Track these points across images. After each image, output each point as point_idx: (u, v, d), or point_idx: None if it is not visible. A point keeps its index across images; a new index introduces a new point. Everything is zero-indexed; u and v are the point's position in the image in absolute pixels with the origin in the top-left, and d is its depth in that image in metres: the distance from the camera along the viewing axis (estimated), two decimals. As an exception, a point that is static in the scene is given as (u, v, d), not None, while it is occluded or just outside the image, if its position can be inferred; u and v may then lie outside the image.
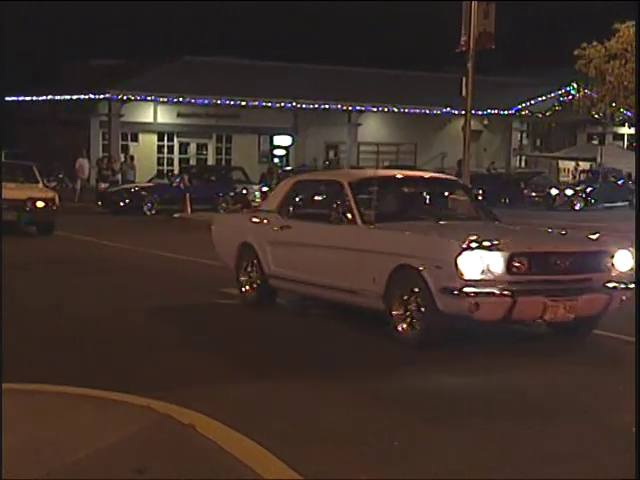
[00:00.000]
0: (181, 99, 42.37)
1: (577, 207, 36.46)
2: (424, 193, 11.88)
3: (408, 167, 45.50)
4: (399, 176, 12.41)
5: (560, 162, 46.43)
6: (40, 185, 22.77)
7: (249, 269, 11.84)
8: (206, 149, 46.09)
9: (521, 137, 53.95)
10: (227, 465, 5.53)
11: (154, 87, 41.63)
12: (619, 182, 38.97)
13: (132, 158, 39.62)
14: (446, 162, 46.33)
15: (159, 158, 44.64)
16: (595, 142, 51.64)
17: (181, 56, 45.58)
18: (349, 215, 10.35)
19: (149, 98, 42.23)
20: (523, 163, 52.71)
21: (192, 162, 44.61)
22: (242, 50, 50.12)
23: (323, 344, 9.74)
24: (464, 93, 20.73)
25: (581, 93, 40.84)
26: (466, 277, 8.80)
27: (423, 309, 9.15)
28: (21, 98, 45.21)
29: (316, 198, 12.70)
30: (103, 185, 35.08)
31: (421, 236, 9.77)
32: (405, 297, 9.34)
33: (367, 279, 9.78)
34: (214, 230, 13.32)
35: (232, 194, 31.38)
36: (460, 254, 8.81)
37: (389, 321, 9.46)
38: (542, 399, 7.62)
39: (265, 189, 30.19)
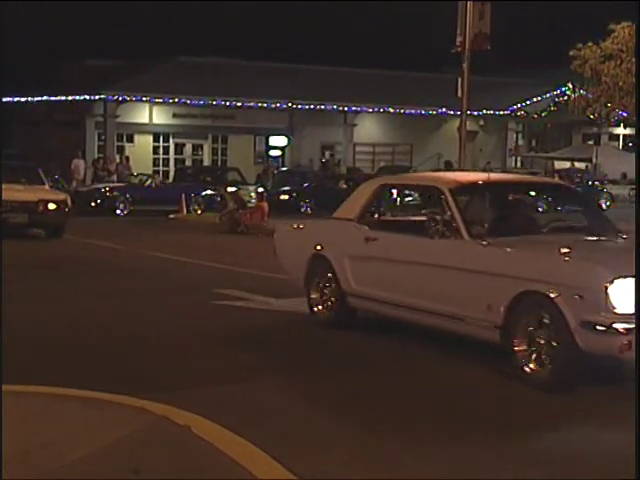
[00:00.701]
0: (176, 100, 42.30)
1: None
2: (535, 201, 10.59)
3: (404, 168, 45.61)
4: (507, 180, 10.92)
5: (556, 163, 46.46)
6: (46, 187, 22.44)
7: (322, 285, 10.50)
8: (202, 150, 46.03)
9: (516, 138, 53.96)
10: (223, 466, 5.54)
11: (150, 88, 41.55)
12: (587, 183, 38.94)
13: (127, 159, 39.57)
14: (442, 163, 46.33)
15: (155, 159, 44.55)
16: (590, 142, 51.68)
17: (177, 57, 45.50)
18: (453, 228, 8.85)
19: (145, 99, 42.13)
20: (519, 164, 52.72)
21: (188, 163, 44.57)
22: (238, 51, 50.15)
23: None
24: (459, 94, 20.75)
25: (576, 94, 40.86)
26: (619, 311, 7.33)
27: (555, 345, 7.69)
28: (16, 99, 45.14)
29: (406, 206, 11.30)
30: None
31: (555, 257, 8.00)
32: (531, 329, 7.89)
33: (479, 305, 8.35)
34: (278, 239, 11.73)
35: (204, 194, 31.60)
36: (612, 282, 7.34)
37: (512, 357, 8.04)
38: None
39: (261, 190, 30.15)
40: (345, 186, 35.26)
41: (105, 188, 32.10)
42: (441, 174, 12.36)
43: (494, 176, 10.41)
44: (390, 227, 10.19)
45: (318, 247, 10.56)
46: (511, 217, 9.60)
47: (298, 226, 11.86)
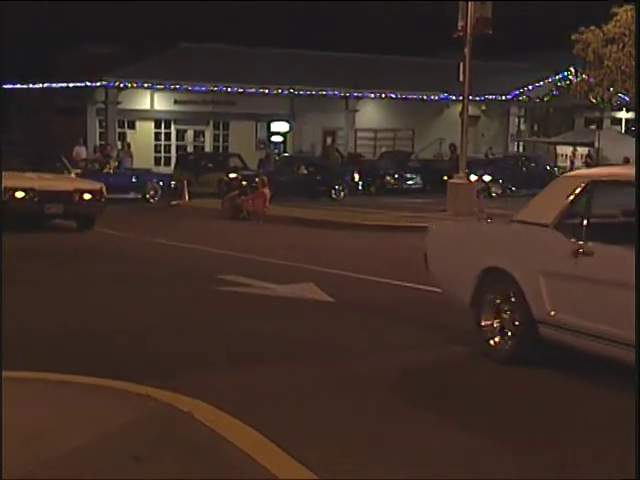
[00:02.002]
0: (178, 86, 42.25)
1: (493, 194, 35.73)
2: None
3: (406, 153, 45.58)
4: None
5: (558, 147, 46.39)
6: (72, 175, 21.67)
7: (500, 308, 8.24)
8: (203, 136, 45.99)
9: (518, 122, 53.86)
10: (226, 453, 5.52)
11: (151, 74, 41.48)
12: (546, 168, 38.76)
13: (129, 145, 39.55)
14: (444, 148, 46.32)
15: (156, 145, 44.55)
16: (593, 127, 51.57)
17: (178, 43, 45.41)
18: None
19: (146, 85, 42.07)
20: (521, 148, 52.64)
21: (189, 149, 44.57)
22: (239, 36, 49.94)
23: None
24: (461, 78, 20.74)
25: (578, 78, 40.76)
26: None
27: None
28: (17, 86, 45.09)
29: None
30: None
31: None
32: None
33: None
34: (431, 244, 9.40)
35: (156, 181, 32.09)
36: None
37: None
38: None
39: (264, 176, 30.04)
40: (306, 172, 34.78)
41: None
42: None
43: None
44: (607, 237, 7.45)
45: (496, 258, 8.33)
46: None
47: (463, 228, 9.73)
